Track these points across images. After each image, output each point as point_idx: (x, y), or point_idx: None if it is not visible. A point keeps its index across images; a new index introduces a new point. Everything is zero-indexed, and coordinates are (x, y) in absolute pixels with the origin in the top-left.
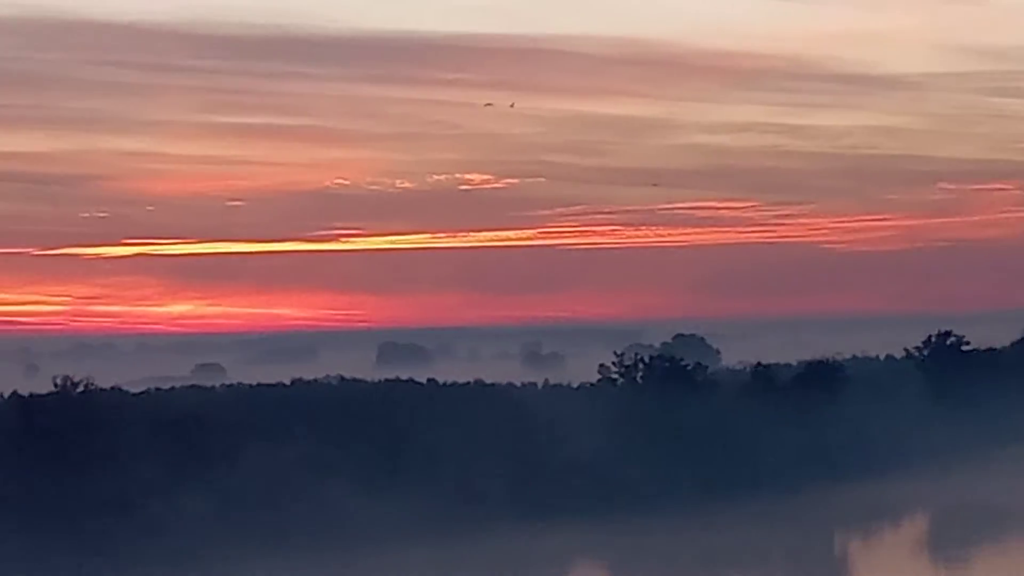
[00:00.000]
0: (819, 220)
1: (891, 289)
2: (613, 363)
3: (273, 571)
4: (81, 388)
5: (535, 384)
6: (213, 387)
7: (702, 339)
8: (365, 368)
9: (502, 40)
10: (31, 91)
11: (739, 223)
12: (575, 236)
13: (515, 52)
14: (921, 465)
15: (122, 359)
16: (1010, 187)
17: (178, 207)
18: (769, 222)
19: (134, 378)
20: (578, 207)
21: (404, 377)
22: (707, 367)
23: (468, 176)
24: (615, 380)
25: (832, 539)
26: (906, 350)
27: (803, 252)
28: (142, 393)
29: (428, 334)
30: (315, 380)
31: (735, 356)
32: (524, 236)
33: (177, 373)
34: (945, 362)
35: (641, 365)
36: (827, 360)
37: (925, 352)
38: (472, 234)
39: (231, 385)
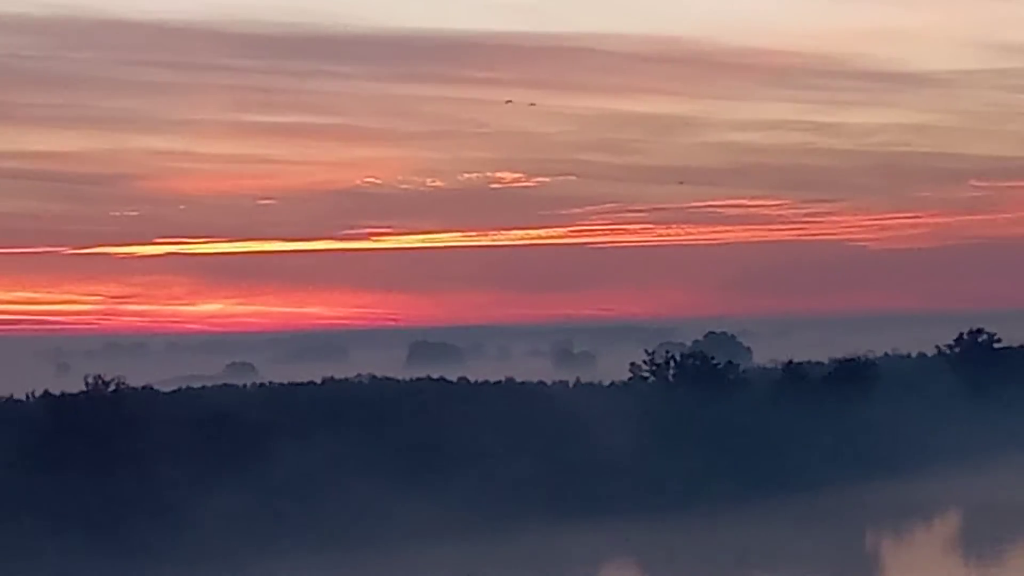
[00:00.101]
0: (850, 218)
1: (923, 287)
2: (644, 361)
3: (307, 569)
4: (112, 387)
5: (566, 383)
6: (244, 386)
7: (733, 337)
8: (396, 367)
9: (533, 38)
10: (62, 91)
11: (770, 221)
12: (606, 234)
13: (546, 50)
14: (954, 463)
15: (153, 358)
16: None
17: (209, 206)
18: (800, 220)
19: (165, 377)
20: (609, 205)
21: (435, 376)
22: (738, 365)
23: (499, 175)
24: (646, 378)
25: (865, 537)
26: (938, 348)
27: (834, 250)
28: (173, 392)
29: (459, 333)
30: (346, 379)
31: (766, 354)
32: (555, 235)
33: (208, 372)
34: (977, 360)
35: (672, 363)
36: (859, 358)
37: (957, 350)
38: (503, 232)
39: (262, 384)
